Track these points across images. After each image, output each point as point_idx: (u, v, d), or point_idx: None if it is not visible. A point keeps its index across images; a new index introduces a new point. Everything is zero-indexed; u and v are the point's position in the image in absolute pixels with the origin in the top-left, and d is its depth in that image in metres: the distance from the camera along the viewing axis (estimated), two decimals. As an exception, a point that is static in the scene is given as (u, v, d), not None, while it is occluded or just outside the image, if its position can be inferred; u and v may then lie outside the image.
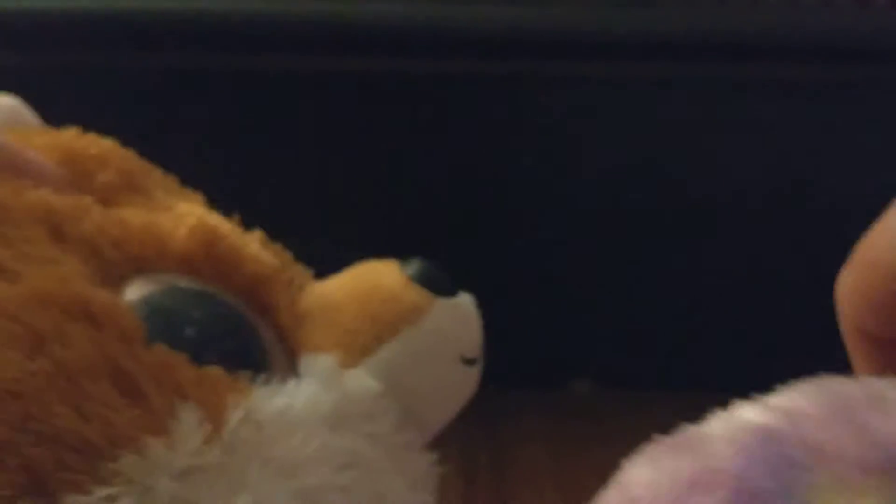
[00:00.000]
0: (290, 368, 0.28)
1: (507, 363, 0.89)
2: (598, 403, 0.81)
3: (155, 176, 0.32)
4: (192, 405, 0.23)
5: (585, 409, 0.79)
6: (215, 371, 0.25)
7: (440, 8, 0.75)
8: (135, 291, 0.25)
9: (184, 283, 0.27)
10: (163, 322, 0.24)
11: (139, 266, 0.26)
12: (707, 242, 0.83)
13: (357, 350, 0.30)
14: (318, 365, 0.27)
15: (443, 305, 0.33)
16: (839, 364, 0.81)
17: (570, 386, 0.84)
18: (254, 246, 0.30)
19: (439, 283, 0.34)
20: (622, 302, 0.84)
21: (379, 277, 0.33)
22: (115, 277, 0.25)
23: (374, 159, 0.83)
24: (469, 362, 0.35)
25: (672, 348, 0.84)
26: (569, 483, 0.64)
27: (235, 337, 0.26)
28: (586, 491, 0.65)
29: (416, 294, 0.32)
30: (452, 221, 0.83)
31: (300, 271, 0.33)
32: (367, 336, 0.30)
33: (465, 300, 0.35)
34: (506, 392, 0.84)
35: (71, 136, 0.31)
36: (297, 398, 0.25)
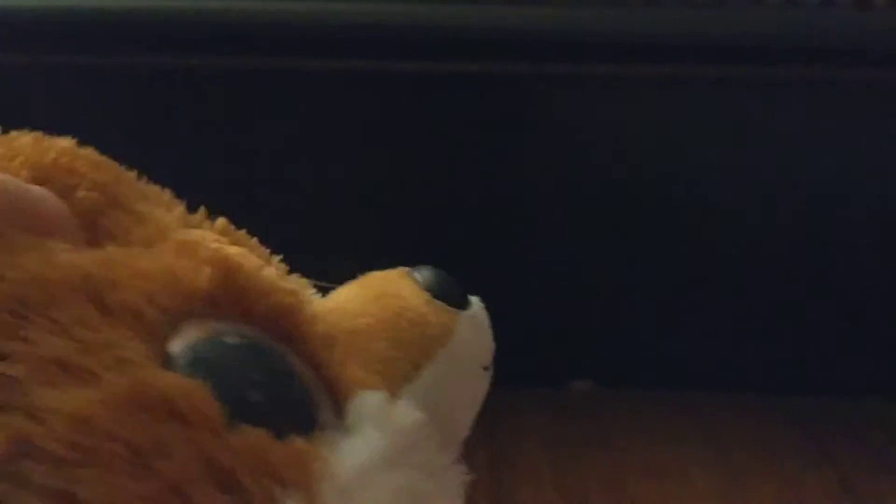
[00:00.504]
0: (328, 402, 0.26)
1: (507, 363, 0.89)
2: (598, 403, 0.81)
3: (132, 185, 0.31)
4: (290, 490, 0.23)
5: (585, 409, 0.79)
6: (297, 443, 0.24)
7: (441, 8, 0.75)
8: (179, 348, 0.24)
9: (219, 328, 0.25)
10: (226, 390, 0.23)
11: (173, 319, 0.24)
12: (707, 242, 0.83)
13: (398, 380, 0.29)
14: (370, 405, 0.26)
15: (465, 320, 0.33)
16: (839, 363, 0.82)
17: (569, 385, 0.84)
18: (269, 270, 0.29)
19: (455, 294, 0.33)
20: (622, 302, 0.84)
21: (401, 296, 0.32)
22: (160, 339, 0.24)
23: (374, 159, 0.83)
24: (486, 368, 0.34)
25: (672, 348, 0.84)
26: (568, 482, 0.64)
27: (293, 392, 0.25)
28: (586, 490, 0.65)
29: (442, 313, 0.32)
30: (452, 221, 0.83)
31: (303, 285, 0.31)
32: (404, 364, 0.30)
33: (479, 309, 0.35)
34: (505, 391, 0.84)
35: (32, 144, 0.29)
36: (364, 450, 0.25)
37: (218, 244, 0.28)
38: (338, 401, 0.26)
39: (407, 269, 0.33)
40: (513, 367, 0.89)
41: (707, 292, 0.84)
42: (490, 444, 0.69)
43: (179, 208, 0.31)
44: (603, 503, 0.62)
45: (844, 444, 0.72)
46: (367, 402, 0.26)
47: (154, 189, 0.31)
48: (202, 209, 0.32)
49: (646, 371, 0.84)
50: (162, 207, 0.30)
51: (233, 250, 0.28)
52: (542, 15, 0.75)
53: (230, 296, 0.26)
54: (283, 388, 0.25)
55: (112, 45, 0.76)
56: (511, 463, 0.66)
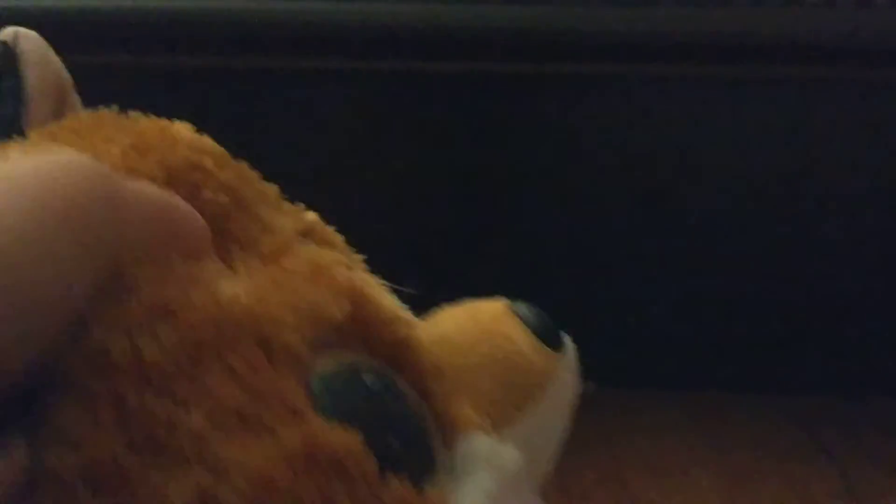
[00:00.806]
0: (438, 437, 0.27)
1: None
2: (599, 402, 0.81)
3: (254, 184, 0.30)
4: None
5: (586, 409, 0.79)
6: (436, 495, 0.24)
7: (441, 8, 0.75)
8: (319, 386, 0.24)
9: (353, 362, 0.25)
10: (371, 436, 0.23)
11: (316, 351, 0.24)
12: (707, 242, 0.83)
13: (501, 421, 0.30)
14: (481, 447, 0.27)
15: (564, 363, 0.33)
16: (840, 363, 0.82)
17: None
18: (388, 300, 0.29)
19: (555, 335, 0.34)
20: (623, 302, 0.84)
21: (510, 337, 0.32)
22: (307, 375, 0.23)
23: (374, 159, 0.83)
24: (573, 408, 0.35)
25: (672, 349, 0.84)
26: (569, 481, 0.64)
27: (420, 435, 0.25)
28: (588, 488, 0.65)
29: (547, 358, 0.32)
30: (452, 221, 0.84)
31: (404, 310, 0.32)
32: (508, 407, 0.31)
33: (572, 350, 0.35)
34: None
35: (159, 135, 0.28)
36: (478, 494, 0.25)
37: (347, 269, 0.28)
38: (446, 435, 0.26)
39: (508, 303, 0.34)
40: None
41: (707, 292, 0.84)
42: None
43: (288, 208, 0.30)
44: (604, 502, 0.62)
45: (845, 444, 0.72)
46: (478, 444, 0.27)
47: (268, 187, 0.30)
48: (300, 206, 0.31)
49: (647, 371, 0.85)
50: (277, 209, 0.30)
51: (360, 276, 0.28)
52: (542, 15, 0.75)
53: (360, 326, 0.26)
54: (413, 432, 0.25)
55: (112, 45, 0.76)
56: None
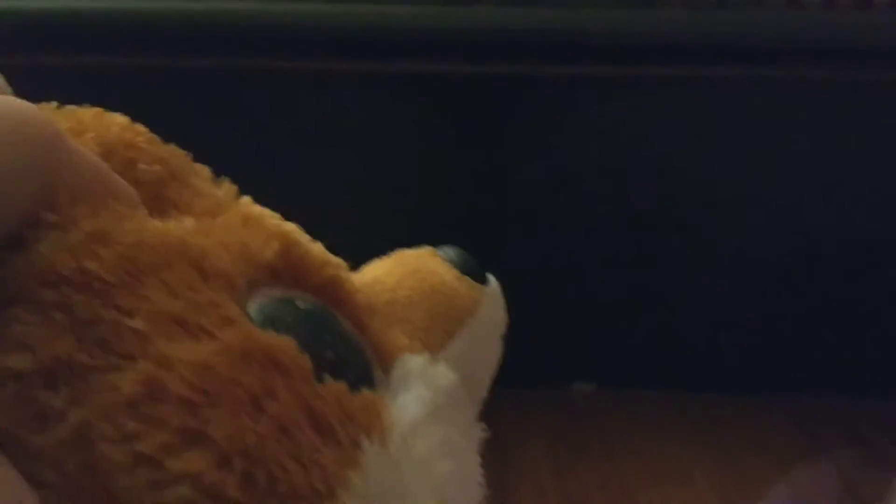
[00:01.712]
0: (376, 363, 0.29)
1: (508, 364, 0.89)
2: (600, 404, 0.81)
3: (185, 161, 0.32)
4: (370, 435, 0.25)
5: (587, 410, 0.79)
6: (369, 395, 0.26)
7: (441, 9, 0.75)
8: (257, 311, 0.26)
9: (287, 294, 0.28)
10: (307, 348, 0.25)
11: (250, 286, 0.27)
12: (708, 243, 0.83)
13: (434, 346, 0.32)
14: (415, 366, 0.29)
15: (488, 295, 0.36)
16: (840, 364, 0.82)
17: (572, 387, 0.84)
18: (317, 246, 0.31)
19: (478, 270, 0.37)
20: (624, 304, 0.84)
21: (435, 272, 0.35)
22: (243, 303, 0.26)
23: (374, 159, 0.83)
24: (502, 337, 0.38)
25: (673, 349, 0.84)
26: (570, 483, 0.64)
27: (355, 353, 0.28)
28: (588, 491, 0.65)
29: (470, 287, 0.35)
30: (452, 221, 0.83)
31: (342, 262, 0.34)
32: (439, 333, 0.33)
33: (495, 284, 0.38)
34: (507, 393, 0.84)
35: (95, 118, 0.31)
36: (416, 403, 0.28)
37: (277, 219, 0.30)
38: (383, 361, 0.29)
39: (433, 248, 0.37)
40: (515, 369, 0.89)
41: (708, 293, 0.84)
42: (492, 445, 0.68)
43: (224, 184, 0.33)
44: (605, 505, 0.62)
45: (847, 445, 0.72)
46: (412, 363, 0.29)
47: (199, 166, 0.33)
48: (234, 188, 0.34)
49: (648, 373, 0.84)
50: (210, 182, 0.32)
51: (289, 226, 0.31)
52: (542, 15, 0.75)
53: (291, 267, 0.28)
54: (347, 349, 0.28)
55: (112, 45, 0.76)
56: (513, 465, 0.66)
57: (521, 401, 0.79)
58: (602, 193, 0.82)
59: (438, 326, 0.34)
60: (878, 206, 0.82)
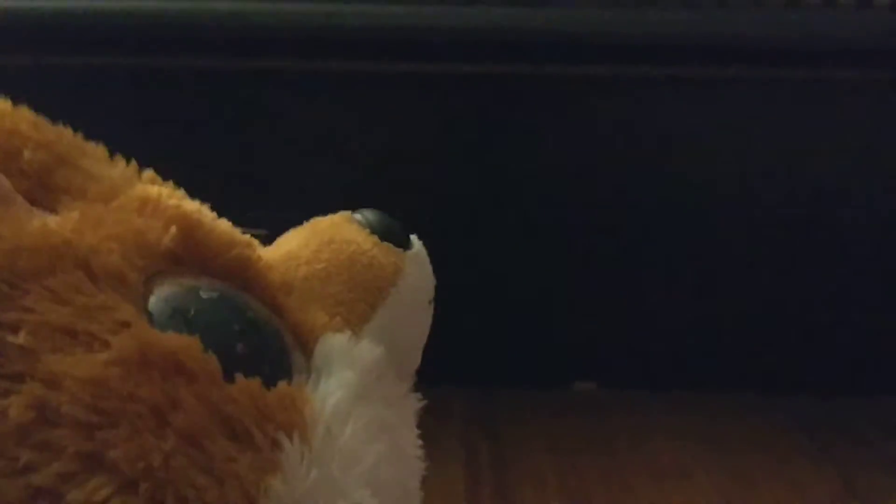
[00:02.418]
0: (296, 345, 0.27)
1: (509, 364, 0.90)
2: (600, 404, 0.81)
3: (73, 142, 0.30)
4: (289, 433, 0.24)
5: (587, 410, 0.79)
6: (287, 390, 0.25)
7: (441, 9, 0.75)
8: (157, 306, 0.24)
9: (189, 283, 0.26)
10: (213, 343, 0.24)
11: (148, 278, 0.25)
12: (707, 242, 0.83)
13: (356, 320, 0.30)
14: (336, 346, 0.28)
15: (411, 260, 0.34)
16: (840, 363, 0.81)
17: (572, 386, 0.84)
18: (224, 223, 0.30)
19: (399, 234, 0.35)
20: (623, 303, 0.84)
21: (352, 240, 0.33)
22: (140, 298, 0.24)
23: (374, 159, 0.83)
24: (430, 302, 0.36)
25: (672, 349, 0.84)
26: (571, 483, 0.64)
27: (268, 340, 0.26)
28: (589, 490, 0.65)
29: (391, 254, 0.33)
30: (452, 221, 0.83)
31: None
32: (361, 305, 0.31)
33: (420, 247, 0.36)
34: (508, 392, 0.84)
35: None
36: (339, 388, 0.26)
37: (176, 200, 0.28)
38: (304, 343, 0.27)
39: (350, 212, 0.35)
40: (516, 368, 0.90)
41: (708, 293, 0.84)
42: (493, 444, 0.69)
43: (121, 163, 0.31)
44: (606, 503, 0.62)
45: (847, 444, 0.72)
46: (333, 342, 0.27)
47: (92, 146, 0.31)
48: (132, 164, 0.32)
49: (648, 372, 0.84)
50: (104, 163, 0.30)
51: (190, 206, 0.29)
52: (543, 15, 0.75)
53: (194, 251, 0.26)
54: (260, 337, 0.26)
55: (112, 45, 0.76)
56: (514, 464, 0.66)
57: (521, 400, 0.79)
58: (602, 193, 0.82)
59: (359, 299, 0.31)
60: (878, 206, 0.82)
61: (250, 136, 0.82)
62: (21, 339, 0.21)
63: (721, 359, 0.84)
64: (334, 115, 0.82)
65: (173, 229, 0.26)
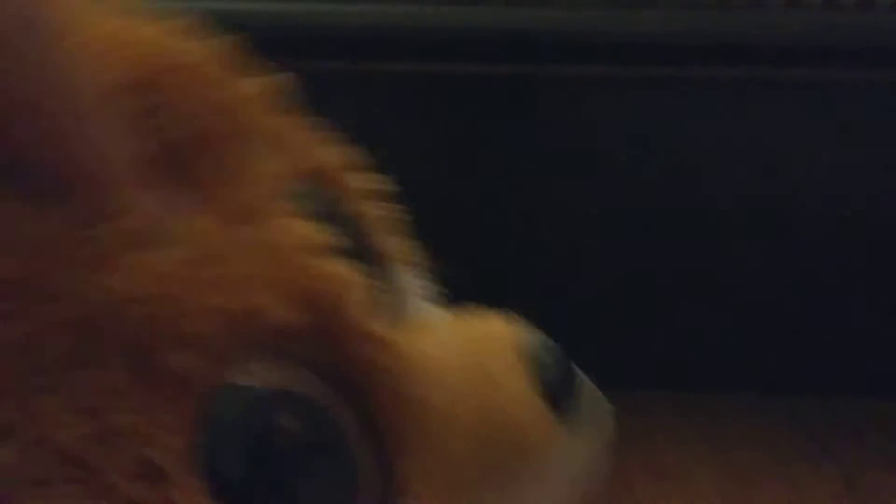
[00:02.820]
0: (374, 492, 0.20)
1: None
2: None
3: (249, 110, 0.22)
4: None
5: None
6: None
7: (441, 9, 0.75)
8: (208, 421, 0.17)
9: (275, 383, 0.19)
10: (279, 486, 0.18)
11: (233, 361, 0.18)
12: (707, 242, 0.83)
13: (458, 488, 0.22)
14: None
15: (568, 443, 0.26)
16: (841, 363, 0.81)
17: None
18: (376, 322, 0.21)
19: (567, 394, 0.27)
20: (623, 303, 0.84)
21: (508, 390, 0.24)
22: (196, 399, 0.17)
23: (374, 159, 0.83)
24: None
25: (673, 349, 0.84)
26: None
27: (345, 487, 0.19)
28: (588, 490, 0.65)
29: (544, 423, 0.25)
30: (452, 221, 0.83)
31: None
32: (473, 473, 0.23)
33: (588, 410, 0.27)
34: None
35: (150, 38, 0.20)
36: None
37: (325, 257, 0.20)
38: (387, 498, 0.20)
39: (522, 338, 0.26)
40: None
41: (708, 293, 0.84)
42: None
43: (298, 142, 0.22)
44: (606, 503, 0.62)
45: (848, 444, 0.72)
46: None
47: (287, 117, 0.23)
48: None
49: (648, 372, 0.84)
50: (274, 146, 0.22)
51: (340, 270, 0.20)
52: (543, 15, 0.75)
53: (317, 337, 0.19)
54: (339, 484, 0.19)
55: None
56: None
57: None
58: (602, 193, 0.82)
59: (477, 465, 0.23)
60: (878, 207, 0.82)
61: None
62: (6, 459, 0.15)
63: (721, 359, 0.84)
64: (334, 115, 0.82)
65: (304, 311, 0.18)
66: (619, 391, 0.85)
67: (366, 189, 0.25)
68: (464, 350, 0.24)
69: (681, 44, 0.77)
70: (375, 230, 0.25)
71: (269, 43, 0.82)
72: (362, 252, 0.23)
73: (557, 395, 0.26)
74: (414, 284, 0.26)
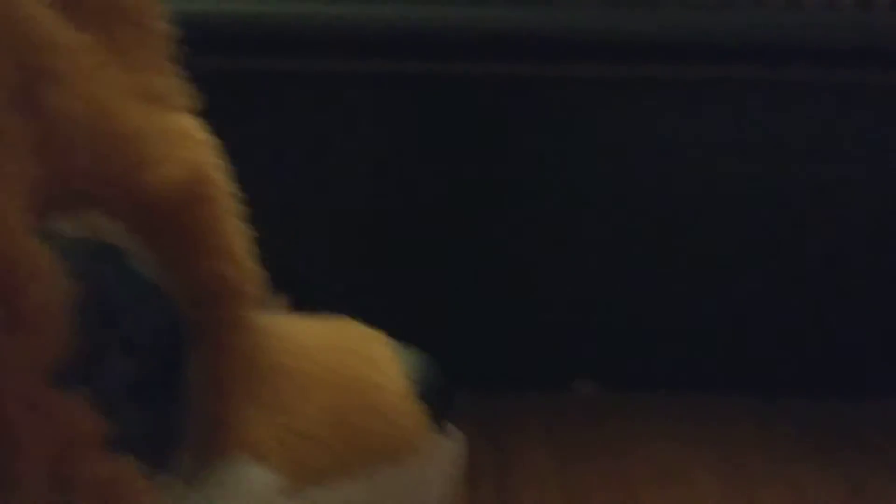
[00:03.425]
0: (199, 443, 0.19)
1: (508, 365, 0.89)
2: (601, 405, 0.80)
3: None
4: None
5: (588, 411, 0.79)
6: (128, 472, 0.18)
7: (443, 10, 0.75)
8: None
9: (129, 246, 0.19)
10: (99, 329, 0.17)
11: (90, 199, 0.18)
12: (707, 243, 0.83)
13: (310, 474, 0.21)
14: (246, 484, 0.19)
15: (438, 446, 0.26)
16: (842, 365, 0.81)
17: (572, 387, 0.84)
18: (241, 240, 0.23)
19: (441, 400, 0.26)
20: (624, 303, 0.84)
21: (378, 373, 0.24)
22: (60, 201, 0.17)
23: (373, 159, 0.83)
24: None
25: (673, 350, 0.84)
26: (573, 485, 0.63)
27: (164, 388, 0.19)
28: (590, 492, 0.64)
29: (416, 421, 0.24)
30: (452, 221, 0.83)
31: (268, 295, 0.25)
32: (332, 459, 0.22)
33: (458, 441, 0.27)
34: (509, 394, 0.84)
35: None
36: None
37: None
38: (211, 449, 0.20)
39: (401, 346, 0.26)
40: (516, 370, 0.90)
41: (708, 293, 0.84)
42: (494, 446, 0.68)
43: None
44: (607, 505, 0.62)
45: (851, 446, 0.72)
46: (246, 478, 0.19)
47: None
48: None
49: (650, 374, 0.84)
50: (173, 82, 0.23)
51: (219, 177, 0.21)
52: (542, 15, 0.75)
53: (179, 229, 0.20)
54: (156, 373, 0.19)
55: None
56: (515, 466, 0.66)
57: (521, 402, 0.79)
58: (602, 193, 0.82)
59: (336, 451, 0.22)
60: (879, 207, 0.81)
61: (249, 136, 0.81)
62: None
63: (722, 360, 0.84)
64: (333, 115, 0.82)
65: (172, 175, 0.19)
66: (624, 394, 0.86)
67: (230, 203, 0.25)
68: (334, 337, 0.24)
69: (681, 44, 0.76)
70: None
71: (268, 43, 0.81)
72: None
73: (431, 401, 0.25)
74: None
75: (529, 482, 0.64)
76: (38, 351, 0.16)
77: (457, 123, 0.82)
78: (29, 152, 0.17)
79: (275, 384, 0.21)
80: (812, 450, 0.72)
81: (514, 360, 0.84)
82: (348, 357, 0.24)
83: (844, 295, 0.82)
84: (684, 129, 0.81)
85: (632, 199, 0.82)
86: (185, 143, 0.23)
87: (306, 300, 0.77)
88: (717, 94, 0.81)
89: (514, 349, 0.84)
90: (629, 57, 0.77)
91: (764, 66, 0.79)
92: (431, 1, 0.75)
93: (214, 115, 0.86)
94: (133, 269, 0.19)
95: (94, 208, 0.19)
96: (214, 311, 0.20)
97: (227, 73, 0.80)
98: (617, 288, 0.84)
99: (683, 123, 0.81)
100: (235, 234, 0.23)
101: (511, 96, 0.81)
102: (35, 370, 0.16)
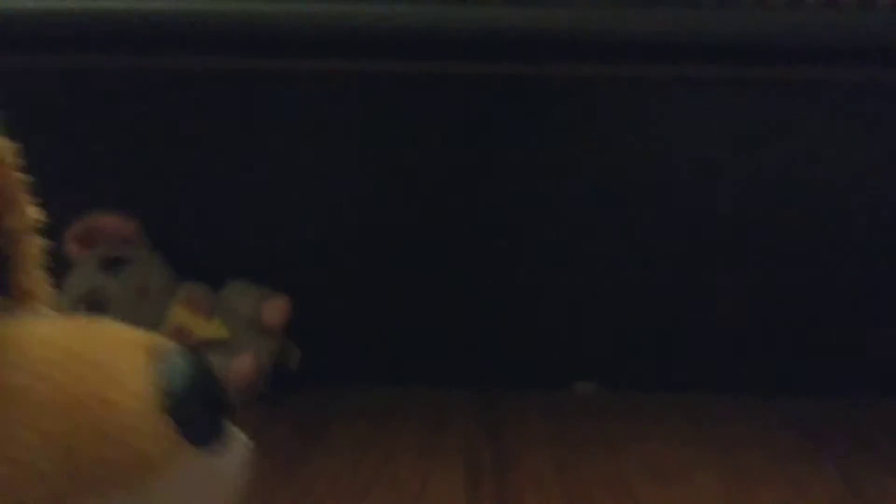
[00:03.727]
0: None
1: (509, 365, 0.89)
2: (601, 405, 0.81)
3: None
4: None
5: (588, 411, 0.79)
6: None
7: (443, 10, 0.75)
8: None
9: None
10: None
11: None
12: (707, 243, 0.83)
13: (38, 482, 0.20)
14: None
15: (189, 462, 0.22)
16: (842, 364, 0.82)
17: (573, 388, 0.84)
18: (32, 208, 0.23)
19: (202, 409, 0.23)
20: (623, 303, 0.84)
21: (116, 389, 0.21)
22: None
23: (373, 159, 0.83)
24: None
25: (673, 349, 0.84)
26: (573, 485, 0.63)
27: None
28: (590, 492, 0.65)
29: (155, 440, 0.21)
30: (452, 221, 0.83)
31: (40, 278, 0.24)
32: (51, 493, 0.20)
33: (237, 448, 0.24)
34: (509, 394, 0.84)
35: None
36: None
37: None
38: None
39: (163, 351, 0.23)
40: (517, 370, 0.90)
41: (708, 293, 0.84)
42: (494, 446, 0.68)
43: None
44: (606, 505, 0.62)
45: (848, 445, 0.72)
46: None
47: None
48: None
49: (649, 373, 0.84)
50: None
51: None
52: (543, 15, 0.75)
53: None
54: None
55: (113, 45, 0.76)
56: (515, 465, 0.66)
57: (521, 402, 0.79)
58: (601, 193, 0.82)
59: (46, 473, 0.20)
60: (879, 206, 0.81)
61: (249, 136, 0.81)
62: None
63: (721, 359, 0.84)
64: (334, 116, 0.82)
65: None
66: (623, 393, 0.86)
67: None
68: (80, 346, 0.22)
69: (681, 44, 0.76)
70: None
71: (267, 43, 0.82)
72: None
73: (186, 412, 0.22)
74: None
75: (530, 480, 0.64)
76: None
77: (456, 123, 0.82)
78: None
79: None
80: (812, 449, 0.72)
81: (515, 360, 0.84)
82: (88, 371, 0.21)
83: (844, 295, 0.83)
84: (684, 129, 0.81)
85: (632, 199, 0.82)
86: None
87: (306, 300, 0.77)
88: (717, 94, 0.81)
89: (514, 350, 0.84)
90: (629, 57, 0.77)
91: (764, 66, 0.79)
92: (431, 1, 0.75)
93: (214, 115, 0.87)
94: None
95: None
96: None
97: (227, 73, 0.80)
98: (617, 288, 0.84)
99: (683, 123, 0.81)
100: None
101: (511, 96, 0.81)
102: None
